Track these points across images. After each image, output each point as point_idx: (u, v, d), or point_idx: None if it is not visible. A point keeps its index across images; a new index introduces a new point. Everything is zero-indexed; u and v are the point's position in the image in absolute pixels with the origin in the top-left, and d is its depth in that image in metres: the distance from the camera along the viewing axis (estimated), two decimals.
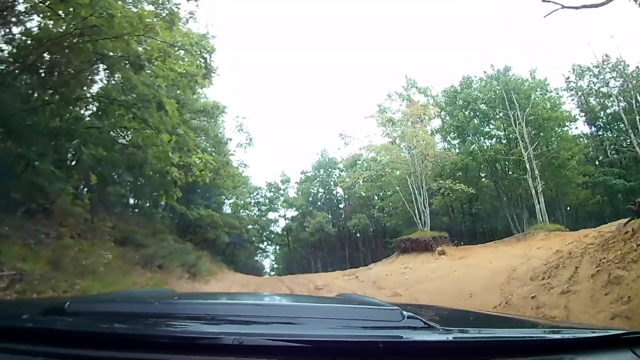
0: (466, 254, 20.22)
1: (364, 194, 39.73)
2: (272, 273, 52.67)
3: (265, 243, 44.53)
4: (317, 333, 0.97)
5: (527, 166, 23.92)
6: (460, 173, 26.92)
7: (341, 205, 42.48)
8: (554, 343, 1.09)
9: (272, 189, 41.20)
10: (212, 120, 20.23)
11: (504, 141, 27.79)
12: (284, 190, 42.92)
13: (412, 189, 23.26)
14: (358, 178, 25.97)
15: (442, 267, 14.79)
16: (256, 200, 39.55)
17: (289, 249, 42.67)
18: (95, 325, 0.99)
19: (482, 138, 28.13)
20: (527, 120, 25.27)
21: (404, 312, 1.06)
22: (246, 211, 37.50)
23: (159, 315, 1.13)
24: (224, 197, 24.57)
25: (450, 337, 1.05)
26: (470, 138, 28.46)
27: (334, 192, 42.27)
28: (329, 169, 41.54)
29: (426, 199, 22.74)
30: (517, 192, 26.87)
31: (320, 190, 41.89)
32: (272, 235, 42.36)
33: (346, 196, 41.30)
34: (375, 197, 38.77)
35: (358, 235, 40.60)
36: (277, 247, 46.05)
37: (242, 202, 26.71)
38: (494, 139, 28.32)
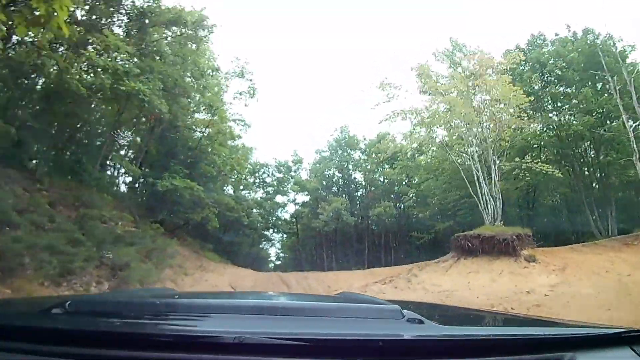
0: (565, 263, 13.00)
1: (384, 179, 32.32)
2: (278, 262, 46.34)
3: (271, 230, 37.61)
4: (317, 331, 0.90)
5: (634, 146, 16.37)
6: (533, 152, 19.40)
7: (357, 193, 35.07)
8: (554, 341, 1.05)
9: (282, 169, 34.02)
10: (192, 42, 12.99)
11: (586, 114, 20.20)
12: (295, 171, 35.75)
13: (476, 168, 15.92)
14: (407, 148, 18.43)
15: (604, 290, 7.56)
16: (262, 180, 32.41)
17: (298, 238, 35.60)
18: (96, 324, 0.96)
19: (561, 109, 20.54)
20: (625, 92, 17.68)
21: (404, 311, 1.02)
22: (249, 192, 30.54)
23: (160, 313, 1.07)
24: (219, 169, 17.34)
25: (450, 335, 1.03)
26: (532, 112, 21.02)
27: (353, 177, 34.96)
28: (349, 150, 34.09)
29: (497, 183, 15.39)
30: (607, 181, 19.37)
31: (337, 173, 34.57)
32: (280, 222, 35.27)
33: (365, 183, 34.01)
34: (403, 183, 31.45)
35: (375, 227, 33.34)
36: (284, 236, 39.07)
37: (242, 178, 19.28)
38: (573, 111, 20.68)
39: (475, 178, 15.91)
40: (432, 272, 13.77)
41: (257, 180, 31.76)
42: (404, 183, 31.51)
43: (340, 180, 34.35)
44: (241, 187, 25.67)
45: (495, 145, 15.58)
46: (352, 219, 28.40)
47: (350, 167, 34.55)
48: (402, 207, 31.20)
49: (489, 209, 15.04)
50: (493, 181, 15.26)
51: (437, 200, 25.78)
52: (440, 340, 0.96)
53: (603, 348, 1.01)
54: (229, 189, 26.85)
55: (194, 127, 15.78)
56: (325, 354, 0.84)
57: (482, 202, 15.41)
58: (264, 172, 32.60)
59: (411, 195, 27.85)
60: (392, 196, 31.73)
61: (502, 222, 14.63)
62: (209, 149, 16.72)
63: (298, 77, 64.11)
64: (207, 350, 0.81)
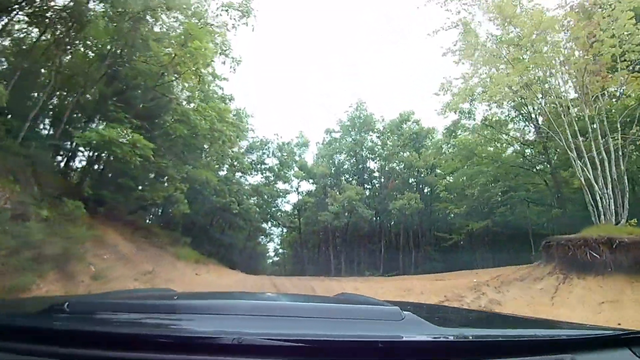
0: None
1: (404, 166, 26.49)
2: (277, 258, 41.14)
3: (269, 223, 32.15)
4: (316, 332, 0.89)
5: None
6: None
7: (370, 185, 29.47)
8: (554, 342, 1.04)
9: (284, 149, 28.43)
10: None
11: None
12: (299, 156, 30.19)
13: (575, 143, 10.39)
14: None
15: None
16: (260, 161, 26.79)
17: (300, 233, 30.14)
18: (95, 324, 0.95)
19: None
20: None
21: (404, 312, 0.99)
22: (244, 175, 24.99)
23: (159, 314, 1.05)
24: (193, 128, 11.40)
25: (450, 336, 1.01)
26: None
27: (367, 165, 29.37)
28: (363, 130, 28.39)
29: (620, 163, 9.87)
30: None
31: (349, 158, 29.00)
32: (279, 213, 29.82)
33: (381, 171, 28.41)
34: (423, 172, 25.70)
35: (390, 224, 27.80)
36: (284, 230, 33.60)
37: (229, 141, 13.28)
38: None
39: (574, 156, 10.32)
40: (525, 297, 8.25)
41: (255, 161, 26.12)
42: (423, 173, 25.88)
43: (353, 167, 28.81)
44: (234, 164, 19.94)
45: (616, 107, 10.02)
46: (369, 212, 22.84)
47: (365, 152, 29.01)
48: (426, 200, 25.65)
49: (605, 200, 9.45)
50: (612, 161, 9.69)
51: (477, 193, 20.18)
52: (440, 341, 0.94)
53: (602, 349, 0.99)
54: (222, 172, 21.46)
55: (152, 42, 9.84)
56: (324, 355, 0.83)
57: (591, 190, 9.81)
58: (263, 153, 26.99)
59: (439, 187, 22.19)
60: (407, 190, 26.30)
61: (633, 221, 9.05)
62: (176, 91, 11.09)
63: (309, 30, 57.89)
64: (206, 351, 0.80)
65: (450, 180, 20.99)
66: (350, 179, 27.32)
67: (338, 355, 0.83)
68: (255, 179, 27.03)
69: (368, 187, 29.24)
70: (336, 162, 28.92)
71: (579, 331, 1.22)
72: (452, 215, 23.46)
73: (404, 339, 0.89)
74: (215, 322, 0.97)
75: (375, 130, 28.38)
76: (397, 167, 27.37)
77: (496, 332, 1.20)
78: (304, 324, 0.97)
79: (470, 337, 1.02)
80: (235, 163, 19.75)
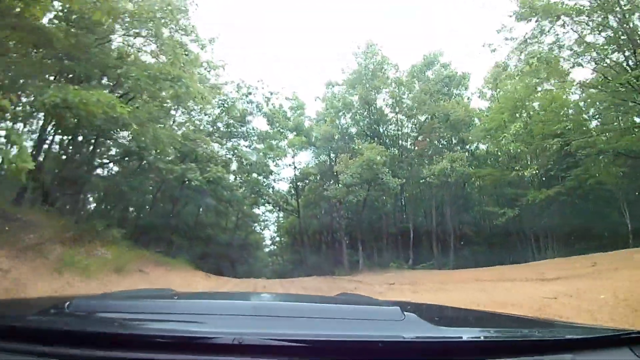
0: None
1: (426, 122, 19.65)
2: (274, 248, 35.07)
3: (263, 207, 25.93)
4: (317, 332, 0.88)
5: None
6: None
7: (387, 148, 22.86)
8: (554, 342, 1.03)
9: (274, 112, 21.88)
10: None
11: None
12: (292, 120, 23.66)
13: None
14: None
15: None
16: (242, 117, 20.04)
17: (299, 216, 23.85)
18: (95, 324, 0.95)
19: None
20: None
21: (404, 312, 0.99)
22: (222, 142, 18.54)
23: (159, 314, 1.04)
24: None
25: (450, 336, 1.01)
26: None
27: (381, 124, 22.76)
28: (376, 80, 21.55)
29: None
30: None
31: (361, 120, 22.34)
32: (272, 192, 23.55)
33: (400, 132, 21.87)
34: (461, 127, 19.20)
35: (417, 197, 21.57)
36: (281, 214, 27.30)
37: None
38: None
39: None
40: None
41: (234, 121, 19.49)
42: (462, 128, 19.42)
43: (363, 129, 22.12)
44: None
45: None
46: (396, 181, 16.31)
47: (377, 110, 22.35)
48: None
49: None
50: None
51: (560, 145, 13.75)
52: (440, 341, 0.93)
53: (602, 349, 0.97)
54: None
55: None
56: (325, 355, 0.82)
57: None
58: (245, 108, 20.25)
59: (502, 139, 15.71)
60: (446, 150, 19.86)
61: None
62: None
63: None
64: (206, 351, 0.79)
65: (518, 128, 14.44)
66: (364, 141, 20.82)
67: (338, 355, 0.82)
68: (232, 142, 20.59)
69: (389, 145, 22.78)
70: (341, 125, 22.37)
71: (580, 331, 1.20)
72: (497, 181, 17.19)
73: (405, 339, 0.87)
74: (215, 322, 0.96)
75: (391, 80, 21.65)
76: (425, 122, 20.78)
77: (497, 332, 1.18)
78: (305, 324, 0.95)
79: (471, 337, 1.01)
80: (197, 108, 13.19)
